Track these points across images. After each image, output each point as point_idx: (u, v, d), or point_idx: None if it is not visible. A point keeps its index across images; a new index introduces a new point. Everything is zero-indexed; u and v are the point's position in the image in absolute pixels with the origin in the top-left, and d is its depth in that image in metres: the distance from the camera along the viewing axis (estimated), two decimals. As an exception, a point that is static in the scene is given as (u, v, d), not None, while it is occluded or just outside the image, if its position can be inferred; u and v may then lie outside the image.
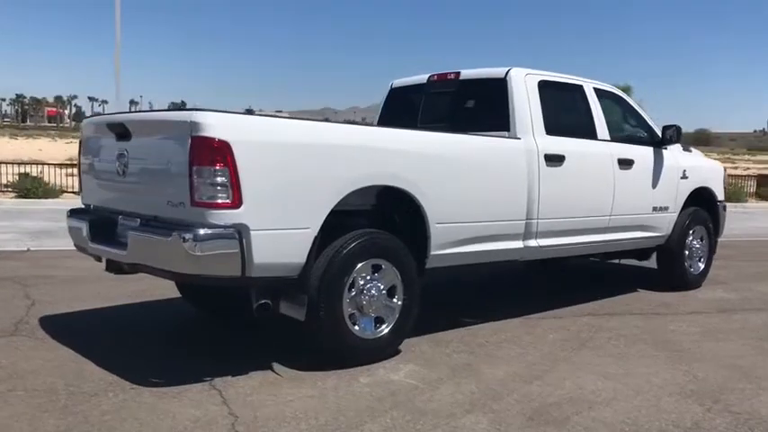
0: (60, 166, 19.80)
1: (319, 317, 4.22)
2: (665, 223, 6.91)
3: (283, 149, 4.02)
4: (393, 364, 4.54)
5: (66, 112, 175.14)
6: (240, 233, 3.83)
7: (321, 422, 3.58)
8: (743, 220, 14.47)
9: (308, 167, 4.10)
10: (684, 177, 7.03)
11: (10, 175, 17.54)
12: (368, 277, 4.47)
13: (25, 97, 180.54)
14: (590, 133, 6.11)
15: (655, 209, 6.72)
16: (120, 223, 4.48)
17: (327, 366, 4.36)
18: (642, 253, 7.21)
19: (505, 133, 5.50)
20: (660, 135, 6.81)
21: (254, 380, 4.17)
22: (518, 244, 5.47)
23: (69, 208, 5.28)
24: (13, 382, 4.03)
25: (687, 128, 6.90)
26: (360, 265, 4.39)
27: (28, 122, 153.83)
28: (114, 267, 4.53)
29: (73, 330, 5.18)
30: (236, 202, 3.82)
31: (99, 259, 4.76)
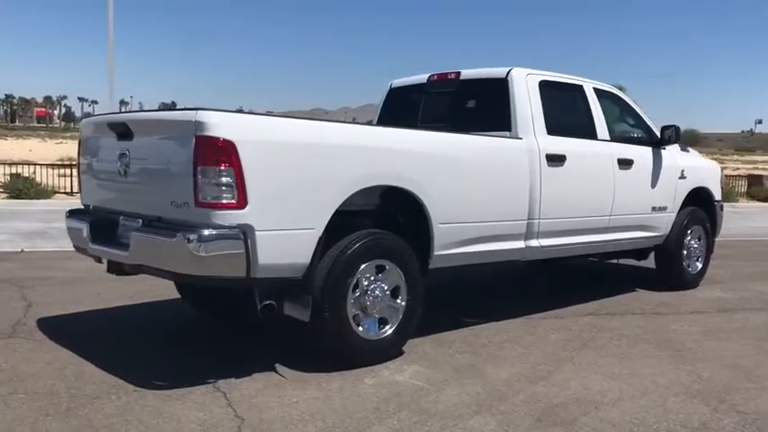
0: (52, 166, 19.67)
1: (324, 318, 4.19)
2: (664, 223, 6.92)
3: (288, 149, 3.98)
4: (397, 365, 4.51)
5: (56, 112, 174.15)
6: (245, 234, 3.80)
7: (328, 424, 3.55)
8: (736, 220, 14.50)
9: (313, 167, 4.07)
10: (683, 177, 7.05)
11: (1, 175, 17.41)
12: (372, 278, 4.44)
13: (14, 97, 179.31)
14: (590, 133, 6.11)
15: (654, 209, 6.73)
16: (121, 224, 4.43)
17: (331, 367, 4.34)
18: (640, 253, 7.22)
19: (507, 133, 5.49)
20: (659, 135, 6.82)
21: (258, 382, 4.14)
22: (520, 244, 5.46)
23: (68, 209, 5.21)
24: (14, 385, 3.97)
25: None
26: (364, 265, 4.36)
27: (17, 123, 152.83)
28: (116, 268, 4.48)
29: (71, 332, 5.12)
30: (241, 203, 3.78)
31: (99, 260, 4.70)
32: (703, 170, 7.53)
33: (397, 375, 4.31)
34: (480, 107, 5.97)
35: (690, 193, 7.18)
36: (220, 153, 3.72)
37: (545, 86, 5.72)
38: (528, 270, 7.47)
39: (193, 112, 3.79)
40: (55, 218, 12.70)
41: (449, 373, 4.39)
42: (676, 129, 6.71)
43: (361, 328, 4.41)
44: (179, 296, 5.76)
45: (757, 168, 41.45)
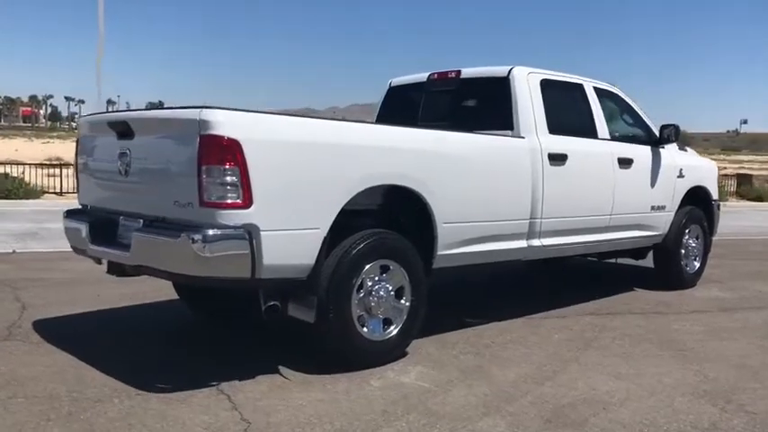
0: (40, 166, 19.50)
1: (328, 319, 4.13)
2: (663, 222, 6.92)
3: (294, 148, 3.92)
4: (401, 366, 4.46)
5: (42, 111, 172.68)
6: (250, 234, 3.73)
7: (336, 427, 3.50)
8: (727, 219, 14.48)
9: (319, 166, 4.01)
10: (681, 176, 7.05)
11: (-12, 175, 17.23)
12: (376, 278, 4.39)
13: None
14: (591, 132, 6.09)
15: (653, 208, 6.73)
16: (121, 224, 4.36)
17: (335, 369, 4.28)
18: (638, 252, 7.21)
19: (509, 132, 5.46)
20: (658, 134, 6.81)
21: (263, 384, 4.07)
22: (522, 243, 5.43)
23: (63, 209, 5.11)
24: (13, 389, 3.89)
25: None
26: (368, 266, 4.31)
27: (2, 122, 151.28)
28: (116, 269, 4.41)
29: (68, 334, 5.04)
30: (247, 202, 3.72)
31: (99, 261, 4.63)
32: (701, 169, 7.53)
33: (402, 377, 4.27)
34: (481, 106, 5.94)
35: (688, 192, 7.19)
36: (225, 152, 3.66)
37: (546, 85, 5.70)
38: (528, 270, 7.44)
39: (198, 110, 3.72)
40: (45, 218, 12.60)
41: (454, 374, 4.35)
42: (676, 128, 6.71)
43: (365, 329, 4.36)
44: (176, 297, 5.69)
45: (743, 167, 41.76)
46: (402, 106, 6.50)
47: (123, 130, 4.22)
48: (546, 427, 3.57)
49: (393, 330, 4.50)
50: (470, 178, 4.91)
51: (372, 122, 5.75)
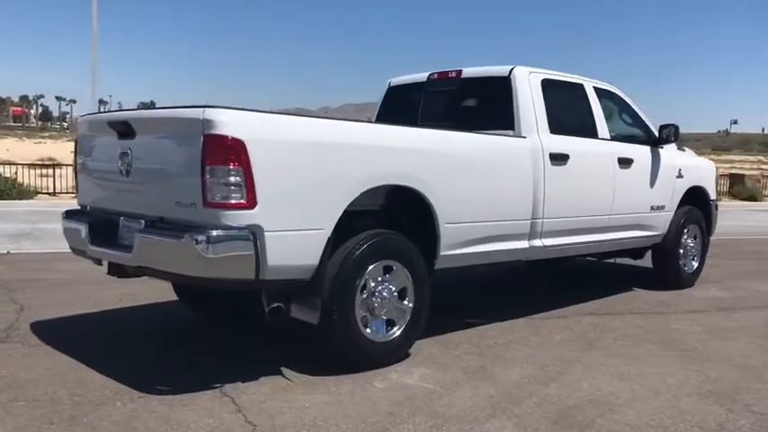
0: (32, 166, 19.39)
1: (332, 320, 4.10)
2: (662, 222, 6.92)
3: (298, 148, 3.89)
4: (405, 367, 4.44)
5: (33, 111, 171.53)
6: (254, 234, 3.70)
7: (342, 429, 3.46)
8: (721, 219, 14.52)
9: (324, 166, 3.98)
10: (680, 176, 7.05)
11: (-20, 176, 17.10)
12: (379, 279, 4.36)
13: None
14: (591, 132, 6.09)
15: (652, 208, 6.72)
16: (122, 225, 4.31)
17: (338, 370, 4.25)
18: (636, 252, 7.21)
19: (510, 132, 5.44)
20: (657, 134, 6.81)
21: (266, 385, 4.04)
22: (524, 244, 5.41)
23: (61, 210, 5.05)
24: (13, 392, 3.84)
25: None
26: (372, 266, 4.28)
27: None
28: (116, 271, 4.36)
29: (67, 336, 4.99)
30: (251, 203, 3.68)
31: (99, 262, 4.58)
32: (699, 169, 7.54)
33: (406, 378, 4.24)
34: (482, 106, 5.92)
35: (686, 192, 7.19)
36: (229, 152, 3.62)
37: (547, 85, 5.68)
38: (528, 270, 7.43)
39: (201, 109, 3.68)
40: (39, 219, 12.51)
41: (458, 375, 4.33)
42: (675, 128, 6.71)
43: (368, 331, 4.33)
44: (172, 298, 5.65)
45: (734, 167, 41.98)
46: (402, 106, 6.48)
47: (124, 129, 4.18)
48: (553, 429, 3.55)
49: (396, 331, 4.47)
50: (473, 178, 4.89)
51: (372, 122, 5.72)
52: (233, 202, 3.66)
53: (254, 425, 3.49)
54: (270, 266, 3.78)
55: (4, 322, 5.26)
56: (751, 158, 68.92)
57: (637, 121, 6.83)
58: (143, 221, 4.10)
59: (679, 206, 7.11)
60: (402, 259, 4.45)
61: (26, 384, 3.97)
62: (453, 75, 6.02)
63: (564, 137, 5.64)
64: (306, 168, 3.91)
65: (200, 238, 3.62)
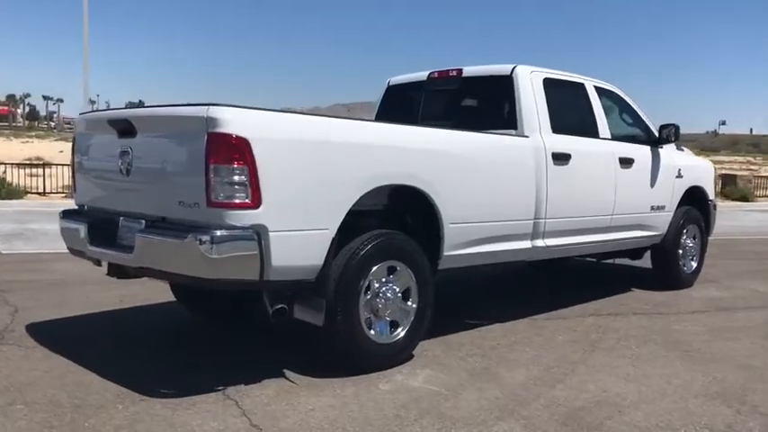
0: (21, 166, 19.20)
1: (336, 321, 4.04)
2: (662, 222, 6.90)
3: (303, 147, 3.83)
4: (409, 369, 4.39)
5: (19, 111, 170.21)
6: (259, 234, 3.64)
7: (349, 432, 3.41)
8: (717, 219, 14.65)
9: (329, 166, 3.92)
10: (680, 176, 7.04)
11: (-32, 176, 16.91)
12: (383, 279, 4.31)
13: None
14: (593, 132, 6.06)
15: (652, 208, 6.70)
16: (121, 225, 4.23)
17: (341, 372, 4.20)
18: (635, 252, 7.19)
19: (512, 131, 5.40)
20: (657, 134, 6.79)
21: (269, 388, 3.98)
22: (526, 244, 5.37)
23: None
24: (12, 396, 3.76)
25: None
26: (376, 267, 4.23)
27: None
28: (116, 271, 4.28)
29: (64, 338, 4.91)
30: (255, 202, 3.62)
31: (99, 263, 4.50)
32: (698, 169, 7.53)
33: (410, 380, 4.19)
34: (484, 105, 5.89)
35: (685, 192, 7.17)
36: (234, 151, 3.56)
37: (548, 84, 5.65)
38: (529, 270, 7.39)
39: (205, 107, 3.61)
40: (30, 219, 12.36)
41: (463, 377, 4.28)
42: (676, 128, 6.69)
43: (372, 332, 4.28)
44: (169, 299, 5.59)
45: (724, 168, 42.18)
46: (401, 106, 6.42)
47: (125, 128, 4.10)
48: (562, 431, 3.51)
49: (400, 332, 4.42)
50: (477, 178, 4.84)
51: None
52: (237, 201, 3.60)
53: (260, 428, 3.43)
54: (274, 267, 3.72)
55: (-1, 324, 5.17)
56: (740, 159, 69.25)
57: (637, 120, 6.81)
58: (144, 221, 4.02)
59: (678, 206, 7.10)
60: (406, 260, 4.40)
61: (24, 387, 3.89)
62: (454, 74, 5.97)
63: (566, 136, 5.61)
64: (311, 167, 3.85)
65: (204, 238, 3.55)
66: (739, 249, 10.93)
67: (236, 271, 3.68)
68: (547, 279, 7.74)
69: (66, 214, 4.73)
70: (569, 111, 5.94)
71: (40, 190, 17.26)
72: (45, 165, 19.06)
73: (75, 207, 4.86)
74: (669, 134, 6.72)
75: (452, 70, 6.00)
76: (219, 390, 3.91)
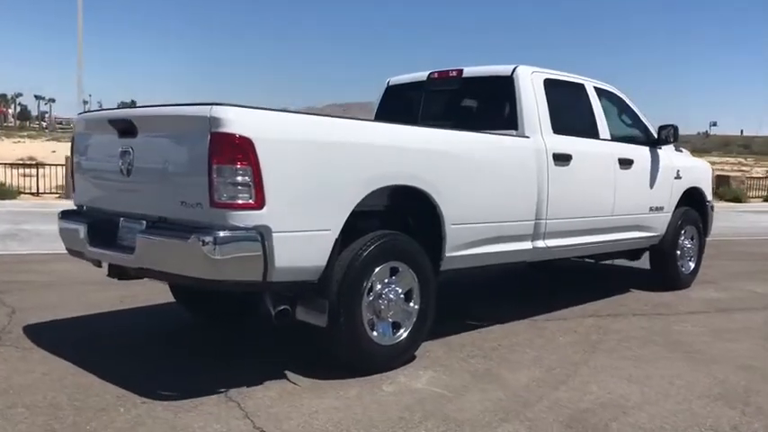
0: (14, 166, 19.07)
1: (339, 323, 4.02)
2: (660, 223, 6.90)
3: (307, 147, 3.80)
4: (411, 370, 4.37)
5: (11, 110, 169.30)
6: (262, 235, 3.61)
7: (354, 435, 3.39)
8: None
9: (332, 166, 3.90)
10: (678, 177, 7.04)
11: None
12: (386, 281, 4.29)
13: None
14: (593, 132, 6.05)
15: (651, 209, 6.70)
16: (121, 225, 4.19)
17: (343, 374, 4.17)
18: (633, 253, 7.19)
19: (513, 132, 5.39)
20: (656, 135, 6.80)
21: (272, 390, 3.95)
22: (527, 245, 5.36)
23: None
24: (12, 398, 3.71)
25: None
26: (378, 268, 4.21)
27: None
28: (117, 272, 4.24)
29: (62, 339, 4.86)
30: (259, 203, 3.59)
31: (99, 264, 4.45)
32: (696, 170, 7.54)
33: (413, 382, 4.17)
34: (484, 105, 5.88)
35: (684, 193, 7.18)
36: (237, 151, 3.53)
37: (549, 85, 5.64)
38: (527, 270, 7.38)
39: (208, 107, 3.58)
40: (24, 219, 12.29)
41: (466, 378, 4.26)
42: (674, 129, 6.69)
43: (375, 333, 4.25)
44: (167, 300, 5.56)
45: (716, 169, 42.31)
46: (401, 106, 6.40)
47: (126, 127, 4.06)
48: (568, 433, 3.50)
49: (402, 334, 4.40)
50: (479, 179, 4.83)
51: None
52: (240, 202, 3.57)
53: (264, 431, 3.40)
54: (277, 268, 3.69)
55: (-5, 325, 5.12)
56: (731, 160, 69.65)
57: (636, 121, 6.81)
58: (144, 222, 3.98)
59: (677, 207, 7.10)
60: (408, 260, 4.38)
61: (24, 390, 3.85)
62: (454, 74, 5.96)
63: (566, 137, 5.60)
64: (315, 168, 3.82)
65: (207, 239, 3.52)
66: (734, 250, 10.96)
67: (239, 272, 3.64)
68: (545, 279, 7.74)
69: (66, 215, 4.69)
70: (570, 111, 5.93)
71: (34, 190, 17.16)
72: (38, 165, 18.95)
73: (74, 207, 4.82)
74: (668, 135, 6.72)
75: (452, 70, 5.98)
76: (221, 392, 3.88)
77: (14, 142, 52.93)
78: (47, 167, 17.94)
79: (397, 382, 4.16)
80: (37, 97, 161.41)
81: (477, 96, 5.99)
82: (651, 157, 6.67)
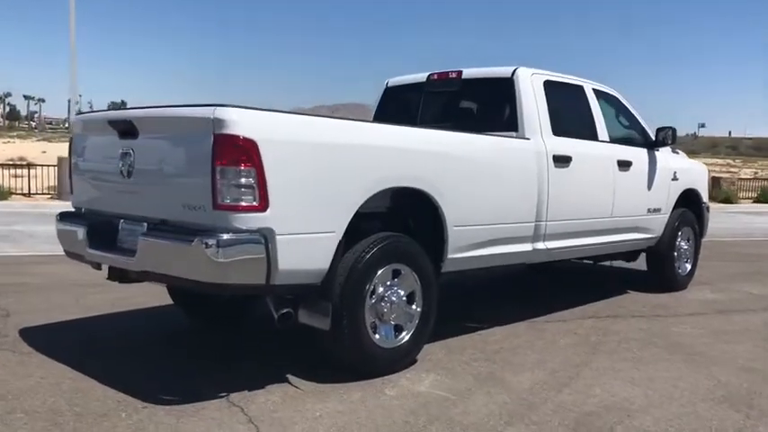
0: (4, 166, 18.91)
1: (342, 326, 3.98)
2: (658, 225, 6.91)
3: (311, 149, 3.77)
4: (414, 373, 4.34)
5: (0, 110, 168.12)
6: (266, 238, 3.57)
7: (360, 439, 3.36)
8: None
9: (336, 168, 3.87)
10: (675, 179, 7.06)
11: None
12: (388, 283, 4.26)
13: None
14: (592, 134, 6.05)
15: (649, 210, 6.71)
16: (121, 228, 4.14)
17: (346, 377, 4.14)
18: (630, 254, 7.19)
19: (513, 134, 5.37)
20: (653, 137, 6.80)
21: (275, 394, 3.91)
22: (527, 247, 5.35)
23: (59, 211, 4.83)
24: (11, 404, 3.66)
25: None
26: (381, 270, 4.18)
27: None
28: (118, 275, 4.19)
29: (60, 343, 4.80)
30: (263, 205, 3.55)
31: (99, 267, 4.39)
32: (693, 172, 7.56)
33: (417, 385, 4.14)
34: (484, 107, 5.86)
35: (680, 194, 7.20)
36: (241, 152, 3.49)
37: (549, 86, 5.63)
38: (523, 271, 7.38)
39: (211, 108, 3.54)
40: (15, 220, 12.20)
41: (469, 381, 4.24)
42: (673, 130, 6.70)
43: (377, 336, 4.22)
44: (164, 303, 5.51)
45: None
46: (400, 107, 6.38)
47: (126, 129, 4.01)
48: (574, 437, 3.48)
49: (405, 336, 4.37)
50: (480, 180, 4.81)
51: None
52: (244, 204, 3.53)
53: (268, 436, 3.37)
54: (281, 271, 3.66)
55: (-10, 329, 5.05)
56: (720, 161, 69.96)
57: (633, 123, 6.82)
58: (146, 224, 3.94)
59: (674, 209, 7.11)
60: (411, 263, 4.35)
61: (22, 395, 3.79)
62: (453, 75, 5.93)
63: (566, 139, 5.60)
64: (319, 169, 3.79)
65: (211, 241, 3.48)
66: (728, 251, 11.00)
67: (242, 275, 3.61)
68: (543, 281, 7.73)
69: (64, 216, 4.63)
70: (569, 113, 5.92)
71: (25, 191, 17.02)
72: (29, 165, 18.80)
73: (72, 209, 4.76)
74: (666, 137, 6.73)
75: (452, 72, 5.96)
76: (223, 396, 3.84)
77: (4, 142, 52.55)
78: (38, 168, 17.80)
79: (400, 385, 4.13)
80: (26, 97, 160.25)
81: (476, 98, 5.97)
82: (649, 159, 6.68)
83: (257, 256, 3.55)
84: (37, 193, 17.06)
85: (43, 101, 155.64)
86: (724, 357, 4.93)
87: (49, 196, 16.80)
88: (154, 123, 3.98)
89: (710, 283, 7.82)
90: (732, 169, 51.42)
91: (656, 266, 7.23)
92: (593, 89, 6.28)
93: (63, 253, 4.76)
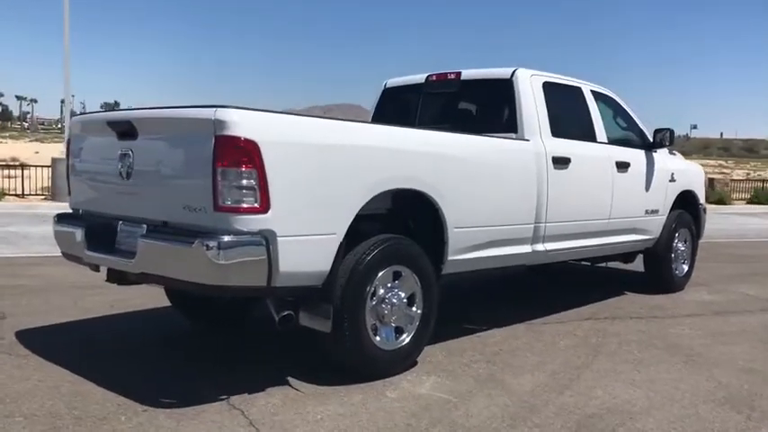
0: (-3, 167, 18.83)
1: (342, 328, 3.96)
2: (656, 226, 6.92)
3: (313, 150, 3.75)
4: (414, 376, 4.32)
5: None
6: (267, 240, 3.55)
7: (362, 443, 3.34)
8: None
9: (338, 169, 3.85)
10: (672, 180, 7.07)
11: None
12: (388, 285, 4.24)
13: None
14: (590, 135, 6.05)
15: (647, 212, 6.72)
16: (120, 230, 4.11)
17: (346, 380, 4.12)
18: (627, 255, 7.20)
19: (512, 135, 5.37)
20: (651, 138, 6.81)
21: (275, 397, 3.88)
22: (527, 248, 5.34)
23: (56, 213, 4.79)
24: (9, 407, 3.62)
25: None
26: (382, 272, 4.16)
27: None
28: (116, 277, 4.15)
29: (57, 345, 4.77)
30: (264, 207, 3.53)
31: (97, 269, 4.36)
32: (689, 173, 7.57)
33: (418, 388, 4.12)
34: (483, 108, 5.85)
35: (678, 196, 7.21)
36: (242, 154, 3.47)
37: (548, 88, 5.63)
38: (521, 273, 7.34)
39: (212, 109, 3.51)
40: (9, 221, 12.12)
41: (470, 384, 4.22)
42: (670, 132, 6.72)
43: (378, 338, 4.20)
44: (161, 305, 5.48)
45: (700, 171, 42.59)
46: (398, 108, 6.37)
47: (126, 129, 3.98)
48: (577, 439, 3.47)
49: (405, 338, 4.35)
50: (480, 182, 4.80)
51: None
52: (245, 206, 3.51)
53: (270, 439, 3.34)
54: (282, 273, 3.63)
55: (-13, 331, 5.01)
56: (712, 162, 70.27)
57: (631, 124, 6.82)
58: (145, 226, 3.90)
59: (671, 210, 7.12)
60: (411, 265, 4.34)
61: (20, 398, 3.76)
62: (452, 76, 5.92)
63: (565, 140, 5.59)
64: (320, 171, 3.77)
65: (211, 243, 3.45)
66: (723, 252, 11.03)
67: (243, 277, 3.58)
68: (540, 282, 7.72)
69: (62, 218, 4.59)
70: (568, 114, 5.92)
71: (18, 192, 16.92)
72: (22, 166, 18.69)
73: (70, 211, 4.72)
74: (663, 138, 6.74)
75: (451, 73, 5.95)
76: (223, 399, 3.81)
77: (-5, 143, 52.25)
78: (31, 169, 17.70)
79: (401, 387, 4.11)
80: (18, 98, 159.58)
81: (475, 99, 5.96)
82: (647, 160, 6.69)
83: (258, 257, 3.53)
84: (30, 194, 16.97)
85: (35, 101, 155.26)
86: (723, 359, 4.93)
87: (43, 197, 16.71)
88: (153, 124, 3.95)
89: (707, 285, 7.84)
90: (725, 170, 51.63)
91: (653, 268, 7.24)
92: (592, 91, 6.28)
93: (59, 254, 4.73)
